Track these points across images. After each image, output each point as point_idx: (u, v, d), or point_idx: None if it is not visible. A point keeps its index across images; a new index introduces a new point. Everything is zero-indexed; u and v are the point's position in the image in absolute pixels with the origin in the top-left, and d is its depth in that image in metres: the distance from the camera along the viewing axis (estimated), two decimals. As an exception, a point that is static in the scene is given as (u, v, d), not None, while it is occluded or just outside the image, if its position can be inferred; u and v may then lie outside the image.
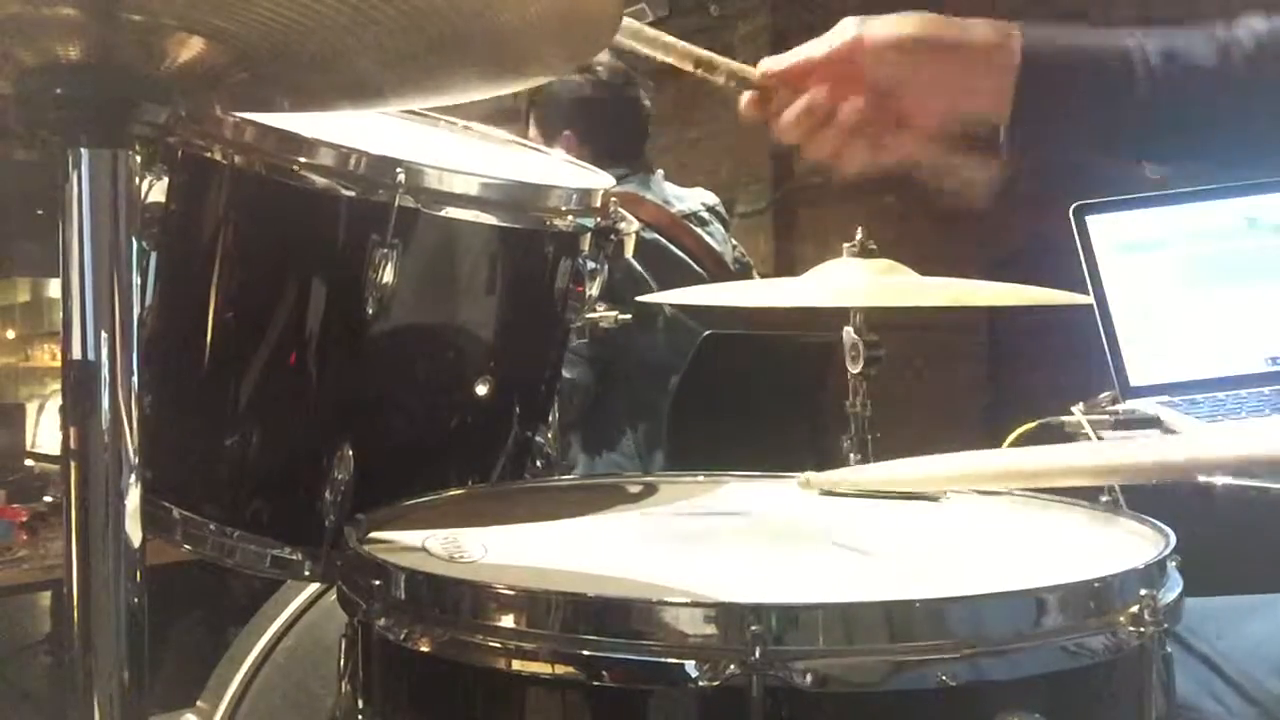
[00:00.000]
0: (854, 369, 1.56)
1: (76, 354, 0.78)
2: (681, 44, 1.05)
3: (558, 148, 2.36)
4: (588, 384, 2.28)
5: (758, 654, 0.72)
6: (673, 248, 2.42)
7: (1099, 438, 1.56)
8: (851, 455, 1.59)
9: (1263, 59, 1.01)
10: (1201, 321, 1.65)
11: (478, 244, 1.21)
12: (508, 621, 0.80)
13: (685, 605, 0.77)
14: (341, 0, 0.72)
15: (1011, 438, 1.69)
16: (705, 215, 2.54)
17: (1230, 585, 1.07)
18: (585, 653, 0.77)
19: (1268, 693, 0.99)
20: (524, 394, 1.30)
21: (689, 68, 1.05)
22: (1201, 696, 0.99)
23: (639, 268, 2.22)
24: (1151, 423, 1.60)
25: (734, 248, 2.63)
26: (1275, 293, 1.65)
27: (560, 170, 1.45)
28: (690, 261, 2.43)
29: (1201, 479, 1.07)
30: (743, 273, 2.63)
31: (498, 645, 0.79)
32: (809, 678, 0.73)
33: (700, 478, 1.29)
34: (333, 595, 1.00)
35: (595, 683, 0.78)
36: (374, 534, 1.02)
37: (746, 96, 1.08)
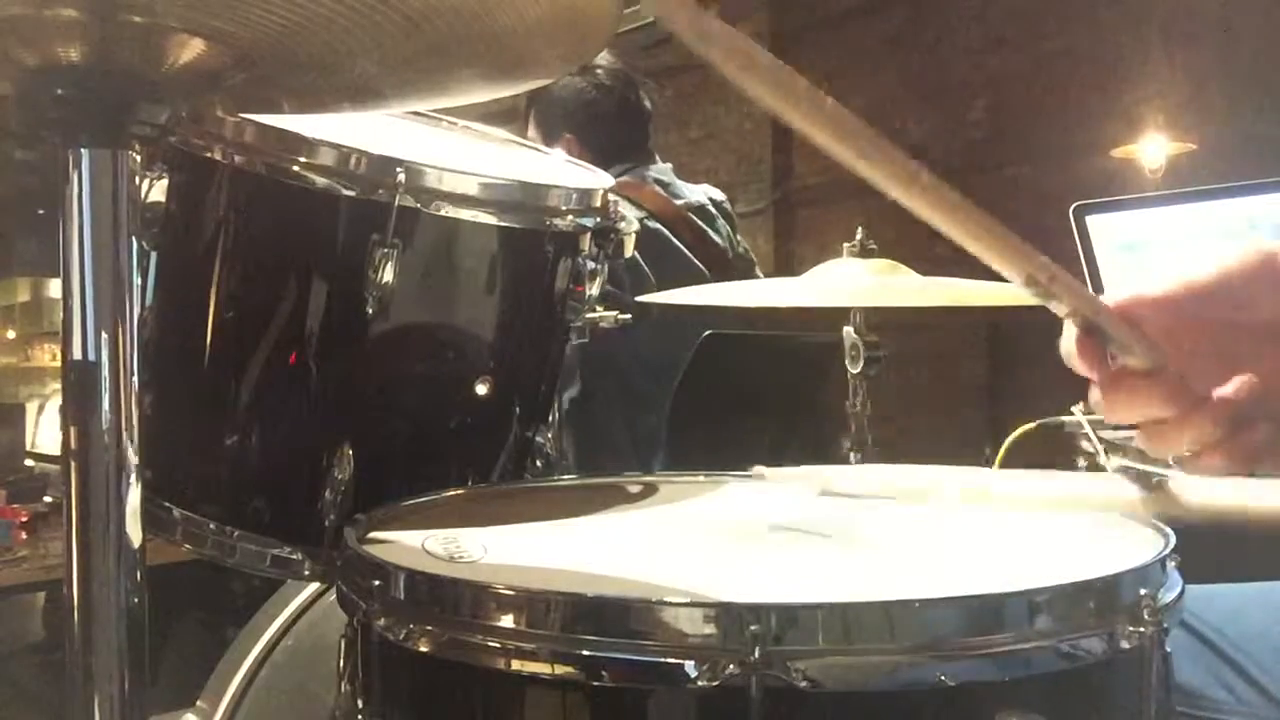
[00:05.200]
0: (854, 369, 1.56)
1: (76, 354, 0.78)
2: (1023, 249, 0.66)
3: (558, 150, 2.36)
4: (574, 396, 2.28)
5: (757, 654, 0.72)
6: (673, 239, 2.41)
7: (1099, 438, 1.56)
8: (852, 455, 1.59)
9: None
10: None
11: (478, 244, 1.21)
12: (507, 621, 0.80)
13: (684, 605, 0.77)
14: (340, 2, 0.72)
15: (1011, 438, 1.69)
16: (711, 211, 2.53)
17: (1235, 571, 1.07)
18: (585, 653, 0.77)
19: (1276, 678, 0.99)
20: (524, 394, 1.30)
21: (1019, 280, 0.67)
22: (1210, 684, 0.99)
23: (637, 256, 2.21)
24: (1151, 423, 1.60)
25: (738, 243, 2.63)
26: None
27: (560, 170, 1.45)
28: (690, 255, 2.42)
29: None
30: (746, 270, 2.62)
31: (497, 645, 0.79)
32: (808, 678, 0.73)
33: (700, 478, 1.29)
34: (333, 595, 1.00)
35: (594, 683, 0.78)
36: (374, 534, 1.02)
37: (1074, 336, 0.73)
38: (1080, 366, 0.73)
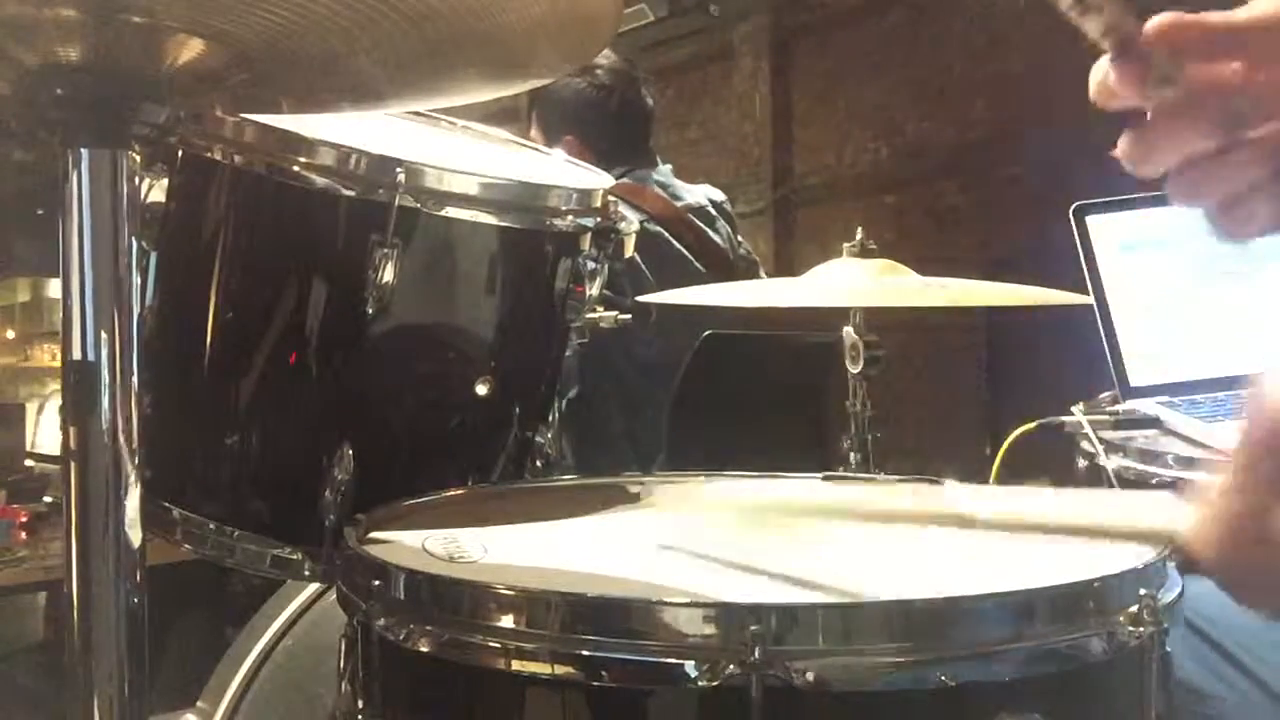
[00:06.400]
0: (854, 369, 1.56)
1: (76, 354, 0.78)
2: None
3: (559, 151, 2.36)
4: (573, 397, 2.28)
5: (757, 654, 0.72)
6: (674, 241, 2.41)
7: (1099, 438, 1.56)
8: (852, 455, 1.59)
9: None
10: (1202, 321, 1.65)
11: (478, 244, 1.21)
12: (507, 621, 0.80)
13: (684, 605, 0.77)
14: (340, 2, 0.72)
15: (1011, 438, 1.69)
16: (711, 211, 2.54)
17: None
18: (585, 653, 0.77)
19: (1274, 670, 0.98)
20: (524, 394, 1.30)
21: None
22: (1208, 679, 0.99)
23: (637, 259, 2.21)
24: (1151, 423, 1.60)
25: (739, 245, 2.63)
26: (1276, 292, 1.65)
27: (560, 170, 1.45)
28: (690, 257, 2.42)
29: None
30: (749, 270, 2.62)
31: (497, 645, 0.79)
32: (809, 678, 0.73)
33: (700, 478, 1.29)
34: (333, 595, 1.00)
35: (594, 683, 0.78)
36: (374, 534, 1.02)
37: (1107, 68, 0.65)
38: (1109, 96, 0.64)
